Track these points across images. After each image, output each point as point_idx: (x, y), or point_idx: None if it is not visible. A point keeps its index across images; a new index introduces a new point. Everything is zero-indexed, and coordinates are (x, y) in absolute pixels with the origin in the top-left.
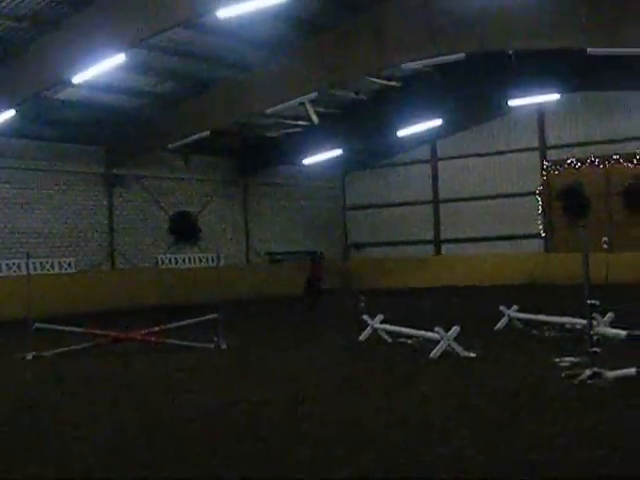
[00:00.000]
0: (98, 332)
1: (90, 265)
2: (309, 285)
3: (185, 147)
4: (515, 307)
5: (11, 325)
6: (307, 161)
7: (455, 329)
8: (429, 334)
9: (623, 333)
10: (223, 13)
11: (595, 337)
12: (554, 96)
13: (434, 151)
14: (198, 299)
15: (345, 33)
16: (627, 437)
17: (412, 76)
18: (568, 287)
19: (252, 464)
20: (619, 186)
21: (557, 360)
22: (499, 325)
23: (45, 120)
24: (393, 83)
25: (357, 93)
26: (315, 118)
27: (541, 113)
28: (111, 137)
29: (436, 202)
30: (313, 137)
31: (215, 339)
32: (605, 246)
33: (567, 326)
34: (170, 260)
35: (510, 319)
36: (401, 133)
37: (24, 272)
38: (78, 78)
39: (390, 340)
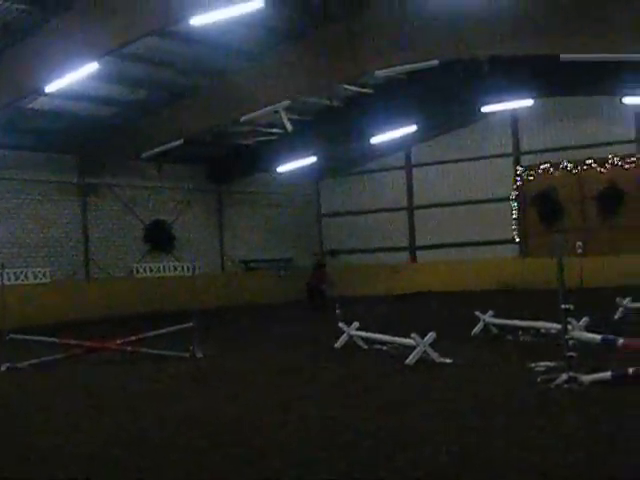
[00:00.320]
0: (73, 342)
1: (65, 275)
2: (312, 291)
3: (159, 156)
4: (490, 312)
5: None
6: (281, 169)
7: (431, 335)
8: (405, 340)
9: (598, 337)
10: (197, 21)
11: (570, 341)
12: (527, 102)
13: (408, 158)
14: (173, 308)
15: (319, 41)
16: (604, 441)
17: (386, 83)
18: (543, 292)
19: (232, 471)
20: (593, 191)
21: (533, 365)
22: (475, 330)
23: (17, 129)
24: (367, 90)
25: (331, 100)
26: (289, 126)
27: (515, 119)
28: (84, 146)
29: (411, 209)
30: (287, 145)
31: (191, 348)
32: (579, 251)
33: (542, 331)
34: (145, 269)
35: (486, 324)
36: (375, 140)
37: None
38: (51, 87)
39: (366, 347)
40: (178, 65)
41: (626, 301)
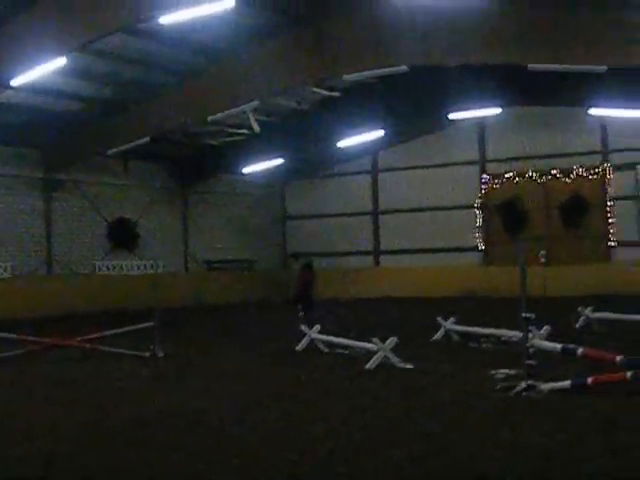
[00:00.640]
0: (32, 338)
1: (27, 270)
2: (300, 291)
3: (125, 153)
4: (452, 319)
5: None
6: (248, 170)
7: (392, 340)
8: (366, 345)
9: (559, 346)
10: (166, 19)
11: (531, 350)
12: (495, 110)
13: (375, 162)
14: (136, 306)
15: (288, 43)
16: (561, 449)
17: (355, 87)
18: (506, 300)
19: (187, 472)
20: (557, 201)
21: (493, 372)
22: (436, 336)
23: None
24: (335, 93)
25: (299, 103)
26: (257, 127)
27: (482, 127)
28: (50, 142)
29: (376, 213)
30: (254, 146)
31: (152, 347)
32: (542, 260)
33: (503, 339)
34: (108, 267)
35: (447, 331)
36: (342, 144)
37: None
38: (18, 81)
39: (327, 350)
40: (147, 63)
41: (588, 310)
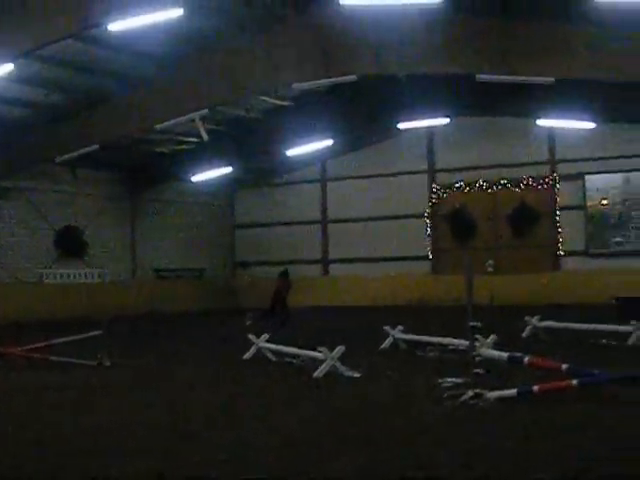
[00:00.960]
0: None
1: None
2: (274, 299)
3: (73, 161)
4: (400, 327)
5: None
6: (196, 178)
7: (339, 349)
8: (313, 353)
9: (505, 355)
10: (115, 26)
11: (477, 358)
12: (444, 120)
13: (324, 171)
14: (83, 315)
15: (237, 51)
16: (508, 457)
17: (304, 96)
18: (454, 309)
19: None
20: (505, 210)
21: (440, 381)
22: (384, 345)
23: None
24: (285, 102)
25: (248, 111)
26: (205, 135)
27: (431, 137)
28: None
29: (325, 222)
30: (203, 154)
31: (99, 356)
32: (490, 269)
33: (450, 347)
34: (55, 275)
35: (395, 339)
36: (291, 152)
37: None
38: None
39: (275, 359)
40: (96, 70)
41: (534, 319)
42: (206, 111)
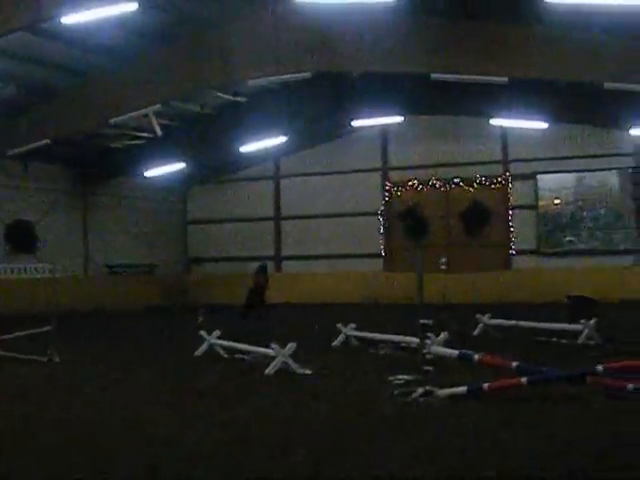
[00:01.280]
0: None
1: None
2: (253, 295)
3: (25, 154)
4: (352, 325)
5: None
6: (150, 173)
7: (291, 346)
8: (265, 350)
9: (456, 352)
10: (68, 19)
11: (428, 356)
12: (398, 118)
13: (277, 168)
14: (33, 310)
15: (191, 47)
16: (458, 454)
17: (259, 92)
18: (406, 306)
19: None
20: (458, 209)
21: (391, 378)
22: (335, 342)
23: None
24: (239, 98)
25: (202, 107)
26: (159, 130)
27: (385, 134)
28: None
29: (278, 219)
30: (156, 149)
31: (48, 352)
32: (443, 267)
33: (402, 344)
34: (5, 270)
35: (347, 337)
36: (245, 149)
37: None
38: None
39: (226, 356)
40: (48, 63)
41: (485, 317)
42: (159, 106)
